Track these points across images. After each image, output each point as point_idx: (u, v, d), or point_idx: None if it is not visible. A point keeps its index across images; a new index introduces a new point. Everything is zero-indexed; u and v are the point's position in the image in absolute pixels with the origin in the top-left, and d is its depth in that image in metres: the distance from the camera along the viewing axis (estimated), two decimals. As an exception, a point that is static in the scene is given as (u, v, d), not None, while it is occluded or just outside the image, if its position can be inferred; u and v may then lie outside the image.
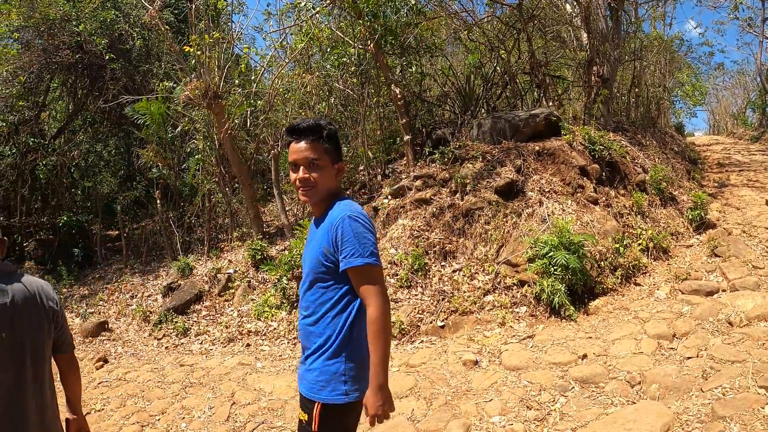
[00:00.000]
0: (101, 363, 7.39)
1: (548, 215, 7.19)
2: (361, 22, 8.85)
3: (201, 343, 7.73)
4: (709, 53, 18.30)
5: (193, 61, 9.18)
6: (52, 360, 2.40)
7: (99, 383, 6.64)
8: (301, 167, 2.41)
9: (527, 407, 4.52)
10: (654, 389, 4.39)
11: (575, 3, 11.49)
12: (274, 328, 7.43)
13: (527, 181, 7.76)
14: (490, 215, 7.43)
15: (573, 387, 4.72)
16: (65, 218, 12.37)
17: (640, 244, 7.59)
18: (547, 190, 7.67)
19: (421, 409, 4.73)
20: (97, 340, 8.55)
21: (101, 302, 10.03)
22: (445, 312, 6.54)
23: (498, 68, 10.05)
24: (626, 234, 7.64)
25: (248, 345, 7.28)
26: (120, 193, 13.47)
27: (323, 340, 2.38)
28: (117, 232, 13.56)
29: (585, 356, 5.16)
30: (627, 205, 8.30)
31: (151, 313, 9.03)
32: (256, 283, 8.67)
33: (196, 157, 10.25)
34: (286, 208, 10.07)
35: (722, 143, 19.68)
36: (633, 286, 6.98)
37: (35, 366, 2.22)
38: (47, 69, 11.66)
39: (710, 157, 16.23)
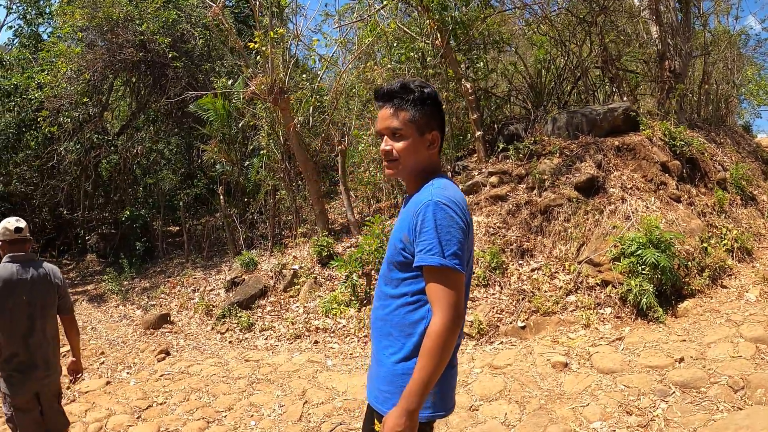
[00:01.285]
0: (163, 355, 7.32)
1: (632, 212, 6.87)
2: (429, 15, 8.66)
3: (266, 339, 7.62)
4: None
5: (258, 56, 9.14)
6: (59, 319, 3.77)
7: (161, 375, 6.52)
8: (384, 137, 2.09)
9: (627, 413, 4.26)
10: (759, 394, 4.15)
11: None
12: (344, 326, 7.28)
13: (608, 177, 7.44)
14: (570, 212, 7.14)
15: (673, 392, 4.44)
16: (128, 212, 12.55)
17: (725, 245, 7.20)
18: (629, 186, 7.33)
19: (515, 413, 4.50)
20: (158, 333, 8.52)
21: (163, 295, 10.08)
22: (525, 312, 6.29)
23: (569, 63, 9.71)
24: (711, 234, 7.27)
25: (316, 342, 7.13)
26: (181, 190, 13.62)
27: (392, 340, 2.06)
28: (177, 228, 13.72)
29: (682, 359, 4.87)
30: (709, 204, 7.90)
31: (213, 307, 9.01)
32: (323, 280, 8.55)
33: (261, 152, 10.21)
34: (353, 205, 9.92)
35: (790, 144, 18.85)
36: (719, 288, 6.61)
37: (43, 320, 3.56)
38: (111, 67, 11.83)
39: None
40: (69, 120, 11.89)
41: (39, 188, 12.83)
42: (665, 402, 4.33)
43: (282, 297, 8.58)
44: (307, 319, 7.71)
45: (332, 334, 7.21)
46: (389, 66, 8.85)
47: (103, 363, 7.35)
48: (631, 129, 8.30)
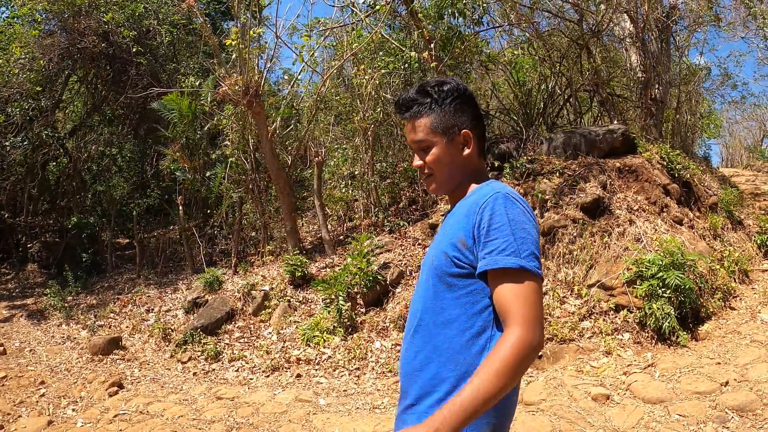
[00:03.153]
0: (115, 389, 6.25)
1: (642, 234, 6.50)
2: (422, 25, 8.21)
3: (237, 371, 6.66)
4: (733, 85, 17.96)
5: (234, 55, 8.43)
6: None
7: (115, 416, 5.45)
8: (415, 153, 1.83)
9: (696, 445, 3.79)
10: (813, 413, 3.89)
11: (624, 25, 11.11)
12: (329, 357, 6.42)
13: (612, 199, 7.06)
14: (575, 234, 6.67)
15: (732, 417, 4.13)
16: (75, 219, 11.42)
17: (728, 267, 6.98)
18: (635, 208, 6.99)
19: (576, 457, 3.90)
20: (108, 359, 7.41)
21: (112, 315, 8.93)
22: (538, 340, 5.74)
23: (558, 84, 9.43)
24: (715, 256, 7.04)
25: (299, 376, 6.20)
26: (133, 199, 12.55)
27: (438, 382, 1.61)
28: (127, 241, 12.63)
29: (727, 383, 4.58)
30: (705, 227, 7.74)
31: (172, 330, 8.00)
32: (297, 303, 7.73)
33: (230, 160, 9.38)
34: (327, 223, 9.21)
35: (743, 175, 19.44)
36: (729, 309, 6.38)
37: None
38: (69, 57, 10.78)
39: (738, 187, 15.91)
40: (18, 111, 10.71)
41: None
42: (727, 428, 4.02)
43: (252, 321, 7.70)
44: (284, 348, 6.82)
45: (317, 367, 6.34)
46: (383, 71, 8.28)
47: (43, 395, 6.23)
48: (629, 151, 8.03)
